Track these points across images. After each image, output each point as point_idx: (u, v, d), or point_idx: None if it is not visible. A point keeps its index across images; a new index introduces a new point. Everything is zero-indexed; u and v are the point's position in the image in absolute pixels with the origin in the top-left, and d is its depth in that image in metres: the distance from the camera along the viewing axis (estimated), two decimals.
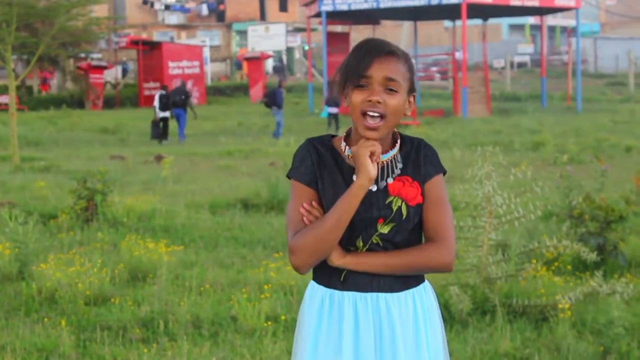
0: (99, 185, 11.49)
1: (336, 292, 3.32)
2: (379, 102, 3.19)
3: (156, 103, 29.79)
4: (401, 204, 3.27)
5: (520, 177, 7.69)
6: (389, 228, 3.27)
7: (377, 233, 3.27)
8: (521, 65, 72.81)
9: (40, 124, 34.57)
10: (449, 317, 7.17)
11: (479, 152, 7.68)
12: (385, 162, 3.30)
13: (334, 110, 31.78)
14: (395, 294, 3.30)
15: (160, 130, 29.35)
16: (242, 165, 20.27)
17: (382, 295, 3.29)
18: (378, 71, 3.20)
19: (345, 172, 3.29)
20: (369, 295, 3.29)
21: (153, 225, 11.47)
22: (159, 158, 20.91)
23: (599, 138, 24.69)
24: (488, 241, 7.52)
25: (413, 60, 3.38)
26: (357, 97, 3.21)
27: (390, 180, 3.28)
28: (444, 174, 3.38)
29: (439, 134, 27.67)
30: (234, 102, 48.87)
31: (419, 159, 3.33)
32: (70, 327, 7.04)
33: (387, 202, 3.27)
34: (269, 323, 7.02)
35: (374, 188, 3.26)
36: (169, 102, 29.61)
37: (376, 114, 3.19)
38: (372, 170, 3.15)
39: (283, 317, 7.16)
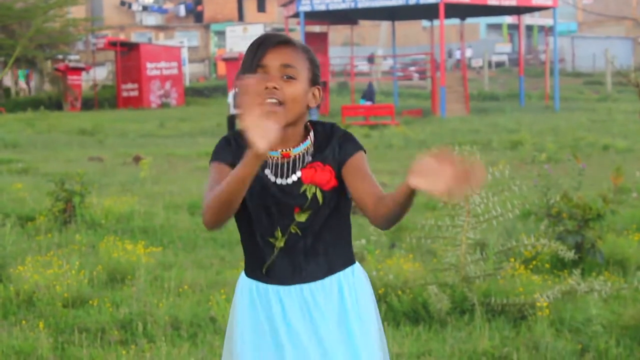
0: (77, 187, 11.44)
1: (261, 285, 3.29)
2: (275, 88, 3.14)
3: (230, 100, 31.54)
4: (315, 190, 3.22)
5: (498, 176, 7.71)
6: (306, 216, 3.23)
7: (295, 222, 3.23)
8: (499, 64, 73.00)
9: (18, 125, 34.39)
10: (428, 316, 7.17)
11: (457, 152, 7.68)
12: (297, 155, 3.25)
13: (367, 104, 34.61)
14: (319, 282, 3.27)
15: (234, 125, 31.78)
16: None
17: (305, 285, 3.26)
18: (273, 60, 3.17)
19: None
20: (292, 287, 3.26)
21: (131, 226, 11.43)
22: (137, 159, 20.84)
23: (576, 137, 24.79)
24: (466, 240, 7.53)
25: (315, 55, 3.36)
26: None
27: (299, 174, 3.23)
28: (365, 153, 3.28)
29: (418, 133, 27.71)
30: (212, 103, 48.75)
31: (331, 143, 3.26)
32: (49, 330, 7.00)
33: (301, 191, 3.21)
34: None
35: (281, 181, 3.21)
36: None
37: (274, 101, 3.13)
38: (262, 144, 2.76)
39: None
